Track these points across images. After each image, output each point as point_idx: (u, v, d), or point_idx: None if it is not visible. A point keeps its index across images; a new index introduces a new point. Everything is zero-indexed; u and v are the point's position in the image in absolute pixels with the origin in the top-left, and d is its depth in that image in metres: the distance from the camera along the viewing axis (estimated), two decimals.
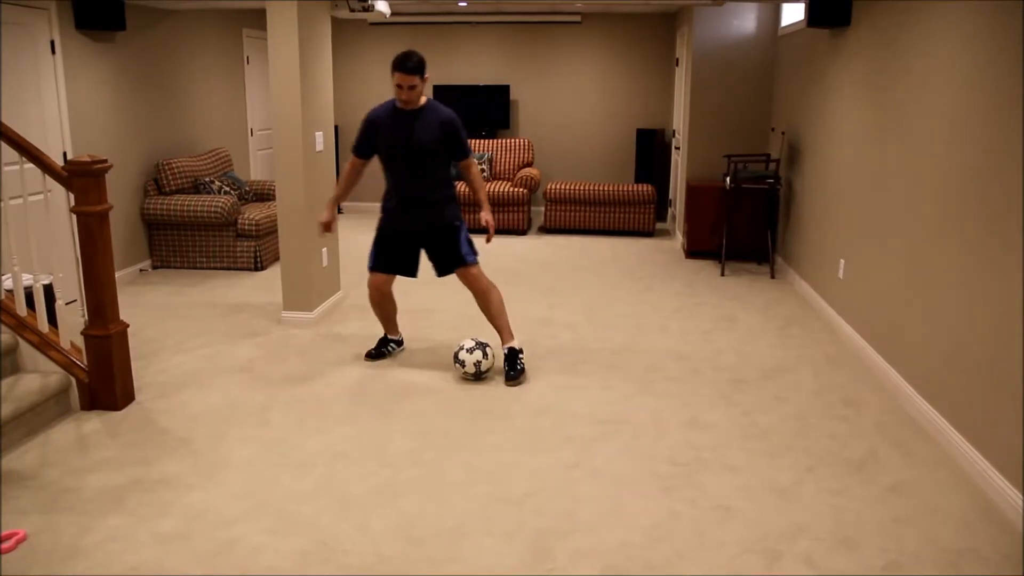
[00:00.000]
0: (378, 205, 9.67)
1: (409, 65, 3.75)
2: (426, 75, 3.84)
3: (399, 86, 3.81)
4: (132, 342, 4.66)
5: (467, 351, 4.01)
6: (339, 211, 9.41)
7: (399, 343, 4.51)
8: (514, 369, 4.06)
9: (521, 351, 4.16)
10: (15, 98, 4.95)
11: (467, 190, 7.98)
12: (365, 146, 4.05)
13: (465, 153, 4.04)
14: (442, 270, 4.13)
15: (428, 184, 3.99)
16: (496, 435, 3.46)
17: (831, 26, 5.03)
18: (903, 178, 3.96)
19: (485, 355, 4.02)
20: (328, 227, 4.13)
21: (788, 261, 6.25)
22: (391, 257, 4.13)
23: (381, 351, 4.41)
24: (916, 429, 3.54)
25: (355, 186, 4.09)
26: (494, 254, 7.12)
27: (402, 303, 5.51)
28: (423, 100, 3.93)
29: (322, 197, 5.15)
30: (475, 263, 4.09)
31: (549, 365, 4.31)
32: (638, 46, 8.99)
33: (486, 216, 4.10)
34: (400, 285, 6.00)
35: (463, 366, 4.01)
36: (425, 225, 4.05)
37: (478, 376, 4.04)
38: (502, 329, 4.14)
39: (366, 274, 6.36)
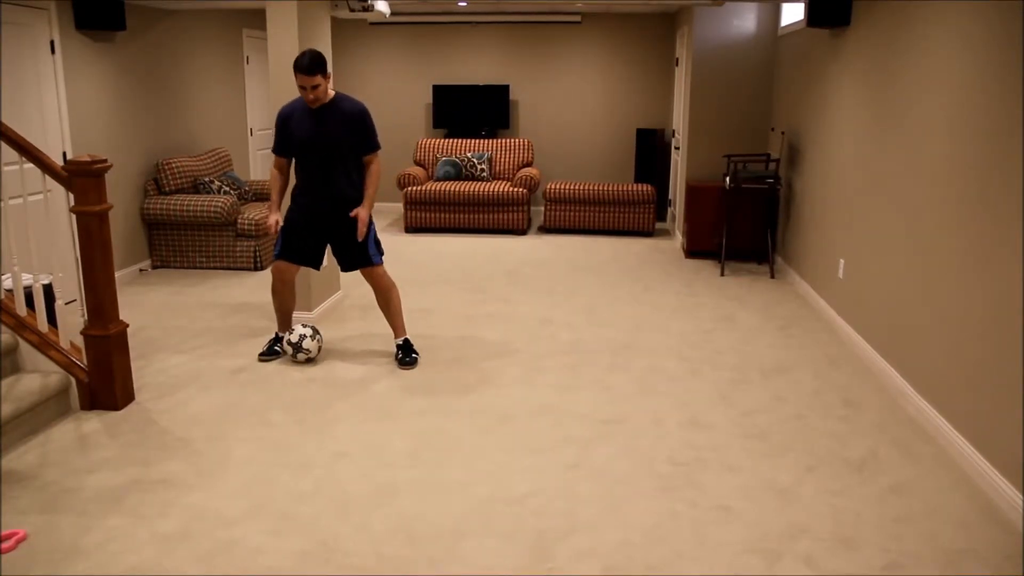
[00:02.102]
0: (378, 205, 9.68)
1: (305, 64, 3.77)
2: (328, 72, 3.90)
3: (302, 87, 3.85)
4: (132, 342, 4.65)
5: (303, 326, 4.27)
6: None
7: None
8: (409, 356, 4.28)
9: (411, 344, 4.37)
10: (15, 98, 4.95)
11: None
12: (283, 144, 4.09)
13: (371, 147, 4.08)
14: (347, 266, 4.21)
15: (338, 179, 4.04)
16: (496, 435, 3.46)
17: (831, 26, 5.03)
18: (903, 178, 3.96)
19: (312, 337, 4.25)
20: (271, 228, 4.10)
21: (788, 261, 6.25)
22: (297, 247, 4.17)
23: (273, 349, 4.38)
24: (916, 429, 3.54)
25: (286, 186, 4.22)
26: (494, 254, 7.13)
27: (403, 303, 5.51)
28: (331, 94, 3.99)
29: None
30: (380, 263, 4.20)
31: (549, 365, 4.31)
32: (638, 46, 8.99)
33: (361, 211, 4.06)
34: (400, 286, 6.00)
35: (291, 332, 4.26)
36: (334, 220, 4.11)
37: (296, 349, 4.23)
38: (397, 326, 4.33)
39: None
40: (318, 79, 3.83)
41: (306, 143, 3.99)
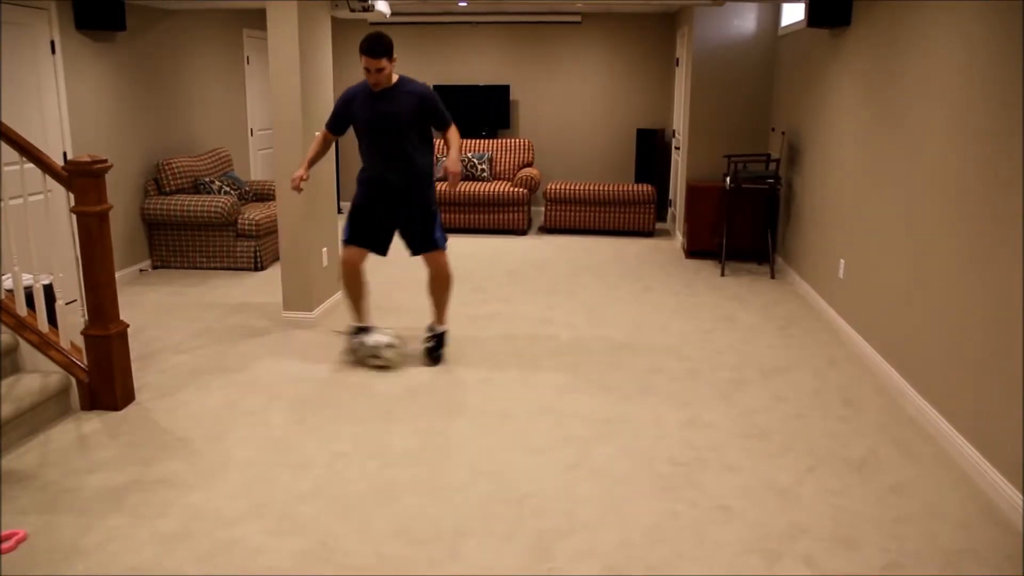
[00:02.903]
0: None
1: (375, 48, 3.80)
2: (394, 57, 3.89)
3: (367, 69, 3.86)
4: (132, 342, 4.66)
5: (382, 334, 4.18)
6: (340, 211, 9.42)
7: (368, 330, 4.39)
8: (438, 351, 4.31)
9: (444, 340, 4.38)
10: (15, 98, 4.95)
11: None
12: (337, 122, 4.12)
13: (444, 124, 4.10)
14: (416, 250, 4.22)
15: (403, 162, 4.04)
16: (496, 435, 3.46)
17: (831, 26, 5.03)
18: (903, 178, 3.96)
19: (391, 346, 4.16)
20: (298, 182, 4.05)
21: (788, 261, 6.25)
22: (364, 232, 4.17)
23: (358, 339, 4.34)
24: (916, 429, 3.54)
25: (324, 154, 4.27)
26: (495, 254, 7.13)
27: (403, 302, 5.51)
28: (395, 78, 3.99)
29: (322, 197, 5.15)
30: (445, 249, 4.23)
31: (549, 365, 4.31)
32: (638, 46, 8.99)
33: (450, 164, 3.97)
34: (399, 285, 6.00)
35: (362, 345, 4.18)
36: (400, 203, 4.11)
37: (366, 353, 4.17)
38: (442, 313, 4.35)
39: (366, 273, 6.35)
40: (383, 62, 3.83)
41: (369, 125, 4.00)
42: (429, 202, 4.16)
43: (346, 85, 9.42)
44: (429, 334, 4.38)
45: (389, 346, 4.17)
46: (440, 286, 4.29)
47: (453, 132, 4.13)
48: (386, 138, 4.00)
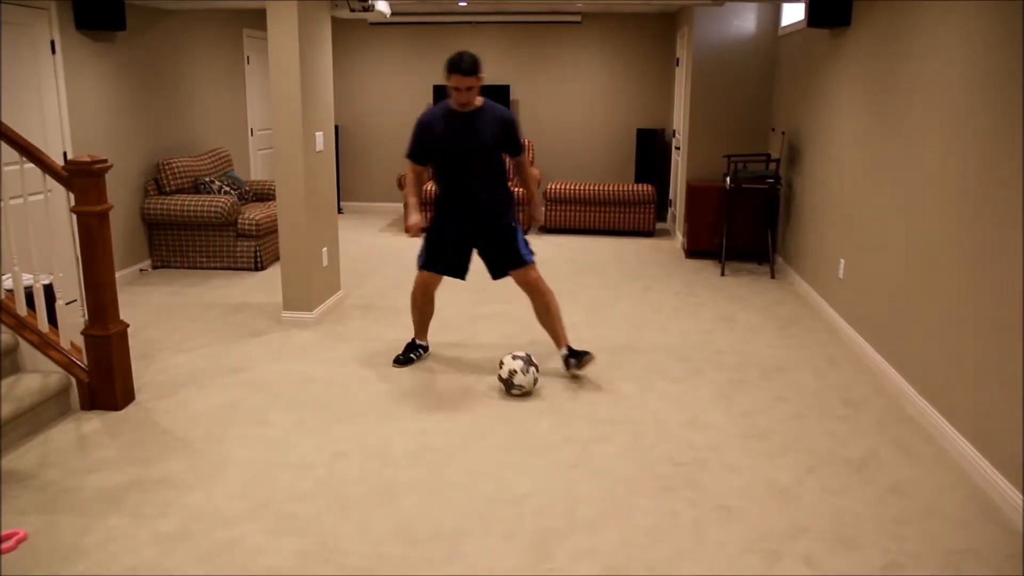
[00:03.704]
0: (378, 205, 9.68)
1: (465, 67, 3.69)
2: (482, 74, 3.77)
3: (456, 88, 3.74)
4: (132, 342, 4.66)
5: (513, 358, 3.83)
6: (340, 211, 9.43)
7: (426, 349, 4.41)
8: (581, 357, 4.01)
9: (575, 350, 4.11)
10: (15, 98, 4.95)
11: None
12: (421, 152, 3.98)
13: (520, 149, 4.03)
14: (497, 272, 4.06)
15: (488, 185, 3.95)
16: (496, 435, 3.46)
17: (831, 26, 5.03)
18: (903, 178, 3.96)
19: (525, 371, 3.80)
20: (415, 231, 3.93)
21: (788, 261, 6.25)
22: (442, 258, 4.07)
23: (409, 356, 4.31)
24: (916, 429, 3.54)
25: (422, 188, 4.13)
26: None
27: (403, 303, 5.51)
28: (479, 100, 3.89)
29: (322, 197, 5.15)
30: (533, 263, 4.03)
31: (549, 365, 4.31)
32: (638, 46, 8.99)
33: (535, 213, 4.13)
34: (401, 286, 6.00)
35: (501, 367, 3.85)
36: (482, 226, 4.00)
37: (508, 386, 3.83)
38: (559, 335, 4.09)
39: (366, 274, 6.36)
40: (473, 80, 3.73)
41: (453, 150, 3.89)
42: (509, 219, 4.01)
43: (346, 85, 9.42)
44: (564, 360, 4.08)
45: (525, 371, 3.81)
46: (543, 306, 4.04)
47: (526, 162, 4.10)
48: (470, 163, 3.90)
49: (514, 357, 3.83)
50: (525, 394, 3.86)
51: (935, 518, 2.82)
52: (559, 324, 4.09)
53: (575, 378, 4.09)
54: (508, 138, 3.94)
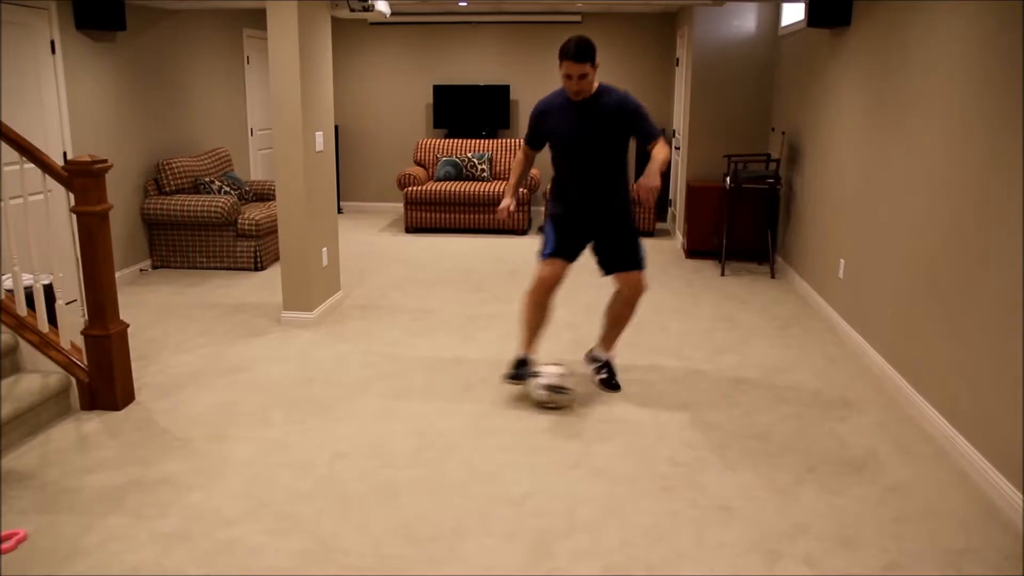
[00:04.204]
0: (378, 205, 9.68)
1: (580, 51, 3.42)
2: (597, 61, 3.50)
3: (568, 76, 3.49)
4: (132, 342, 4.66)
5: (554, 366, 3.72)
6: (340, 211, 9.43)
7: (532, 364, 3.96)
8: (614, 379, 3.96)
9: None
10: (15, 98, 4.95)
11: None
12: (535, 137, 3.81)
13: (652, 136, 3.60)
14: (611, 268, 3.82)
15: (603, 177, 3.69)
16: (496, 435, 3.46)
17: (831, 26, 5.03)
18: (903, 177, 3.96)
19: (560, 390, 3.67)
20: (505, 213, 3.81)
21: (788, 261, 6.25)
22: (568, 245, 3.79)
23: (522, 373, 3.85)
24: (916, 429, 3.54)
25: (528, 173, 3.95)
26: (495, 254, 7.13)
27: (403, 303, 5.51)
28: (595, 86, 3.60)
29: (322, 197, 5.15)
30: (644, 268, 3.81)
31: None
32: (638, 46, 8.99)
33: (646, 179, 3.42)
34: (401, 286, 6.01)
35: (539, 376, 3.71)
36: (599, 220, 3.77)
37: (553, 390, 3.67)
38: (615, 339, 3.95)
39: (366, 274, 6.36)
40: (587, 67, 3.44)
41: (568, 140, 3.65)
42: (631, 218, 3.80)
43: (346, 85, 9.42)
44: (598, 364, 3.97)
45: (559, 388, 3.68)
46: (624, 307, 3.85)
47: (662, 146, 3.58)
48: (587, 153, 3.65)
49: (553, 364, 3.70)
50: (555, 408, 3.71)
51: (935, 518, 2.82)
52: (621, 333, 3.94)
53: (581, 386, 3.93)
54: (632, 125, 3.60)
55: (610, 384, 3.96)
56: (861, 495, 2.97)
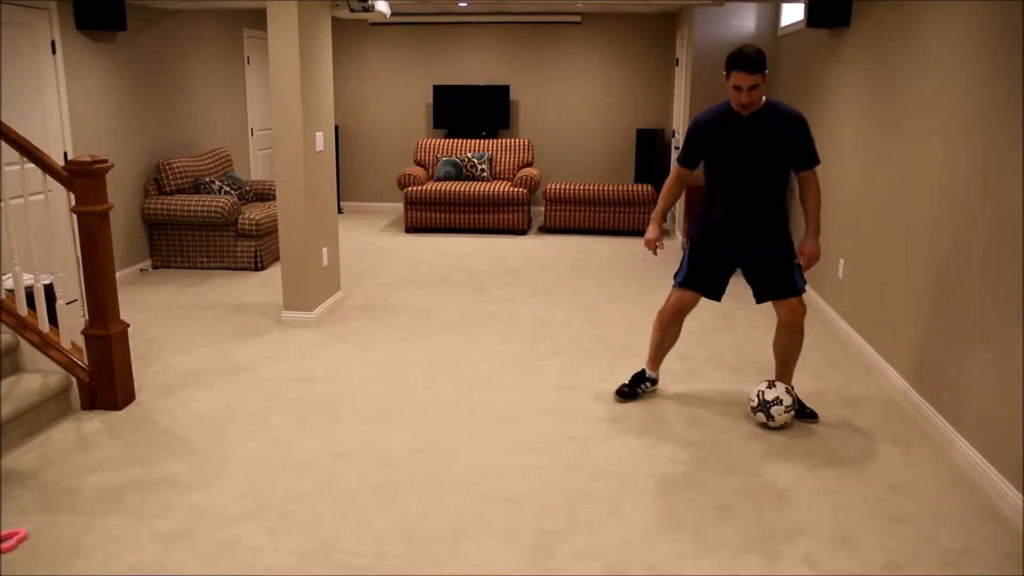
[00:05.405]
0: (378, 205, 9.68)
1: (752, 62, 3.17)
2: (767, 70, 3.29)
3: (737, 87, 3.24)
4: (132, 342, 4.66)
5: (786, 391, 3.50)
6: (340, 211, 9.43)
7: (654, 382, 3.91)
8: (807, 409, 3.63)
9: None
10: (15, 98, 4.95)
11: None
12: (693, 155, 3.53)
13: (812, 161, 3.40)
14: (764, 296, 3.56)
15: (764, 197, 3.43)
16: (496, 435, 3.46)
17: (831, 26, 5.03)
18: (903, 178, 3.96)
19: (789, 410, 3.48)
20: (653, 245, 3.64)
21: None
22: (704, 275, 3.61)
23: (636, 390, 3.84)
24: (916, 429, 3.54)
25: (678, 198, 3.67)
26: (495, 254, 7.13)
27: (403, 303, 5.51)
28: (763, 100, 3.35)
29: (322, 197, 5.15)
30: (804, 291, 3.52)
31: (549, 365, 4.31)
32: (638, 46, 8.99)
33: (810, 245, 3.46)
34: (401, 286, 6.01)
35: (766, 394, 3.51)
36: (752, 244, 3.51)
37: (763, 408, 3.50)
38: (789, 373, 3.63)
39: (366, 274, 6.37)
40: (759, 78, 3.19)
41: (733, 156, 3.39)
42: (789, 241, 3.53)
43: (346, 85, 9.41)
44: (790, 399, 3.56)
45: (781, 405, 3.48)
46: (795, 341, 3.55)
47: (816, 183, 3.43)
48: (753, 173, 3.39)
49: (787, 390, 3.50)
50: (766, 426, 3.56)
51: (935, 518, 2.82)
52: (793, 365, 3.63)
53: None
54: (801, 147, 3.36)
55: (804, 415, 3.62)
56: (861, 495, 2.97)
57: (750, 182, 3.42)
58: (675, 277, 3.71)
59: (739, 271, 3.64)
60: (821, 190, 3.76)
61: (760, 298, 3.58)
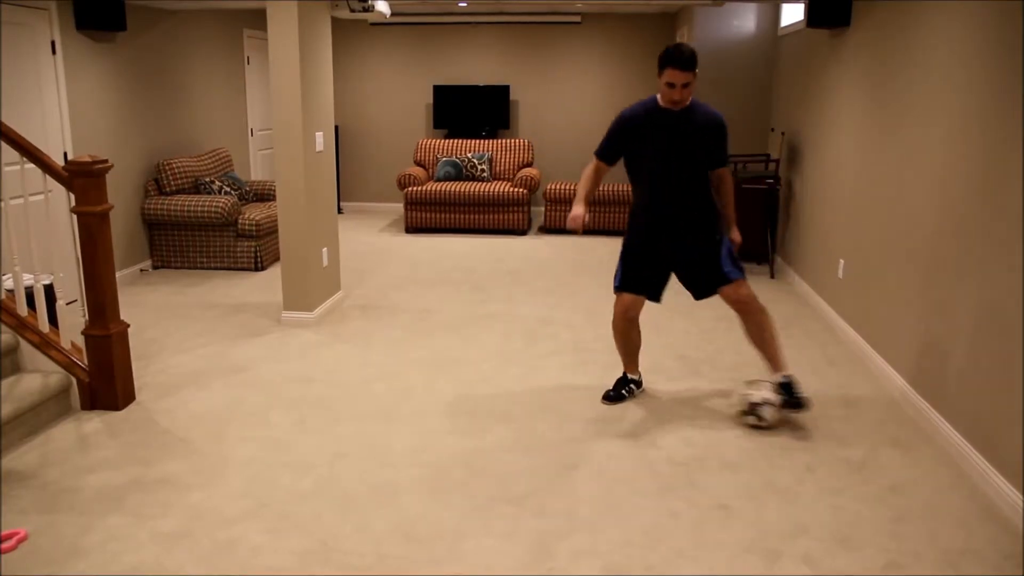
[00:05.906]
0: (378, 205, 9.69)
1: (686, 60, 3.28)
2: (697, 69, 3.38)
3: (671, 84, 3.33)
4: (132, 342, 4.66)
5: (764, 390, 3.53)
6: (340, 211, 9.43)
7: (638, 384, 3.93)
8: (795, 397, 3.52)
9: (794, 383, 3.57)
10: (15, 98, 4.95)
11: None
12: (613, 151, 3.57)
13: (724, 160, 3.55)
14: (701, 292, 3.62)
15: (687, 195, 3.52)
16: (496, 435, 3.46)
17: (831, 26, 5.03)
18: (903, 178, 3.96)
19: (771, 405, 3.51)
20: (580, 221, 3.53)
21: (788, 261, 6.25)
22: (639, 277, 3.64)
23: (620, 393, 3.85)
24: (916, 429, 3.54)
25: (597, 188, 3.61)
26: (495, 254, 7.13)
27: (403, 303, 5.51)
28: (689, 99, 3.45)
29: (322, 197, 5.15)
30: (742, 278, 3.54)
31: (549, 365, 4.32)
32: (638, 46, 8.99)
33: (733, 235, 3.63)
34: (401, 286, 6.01)
35: (752, 396, 3.54)
36: (678, 241, 3.57)
37: (752, 412, 3.52)
38: (774, 358, 3.59)
39: (366, 274, 6.37)
40: (691, 76, 3.31)
41: (659, 153, 3.46)
42: (712, 232, 3.56)
43: (346, 85, 9.42)
44: (775, 387, 3.56)
45: (769, 404, 3.50)
46: (757, 327, 3.56)
47: (729, 178, 3.62)
48: (677, 170, 3.47)
49: (772, 389, 3.52)
50: (758, 428, 3.54)
51: (934, 518, 2.82)
52: (774, 348, 3.58)
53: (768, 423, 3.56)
54: (717, 147, 3.50)
55: (793, 404, 3.55)
56: (861, 495, 2.97)
57: (673, 176, 3.50)
58: (614, 282, 3.73)
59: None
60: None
61: (698, 295, 3.66)
